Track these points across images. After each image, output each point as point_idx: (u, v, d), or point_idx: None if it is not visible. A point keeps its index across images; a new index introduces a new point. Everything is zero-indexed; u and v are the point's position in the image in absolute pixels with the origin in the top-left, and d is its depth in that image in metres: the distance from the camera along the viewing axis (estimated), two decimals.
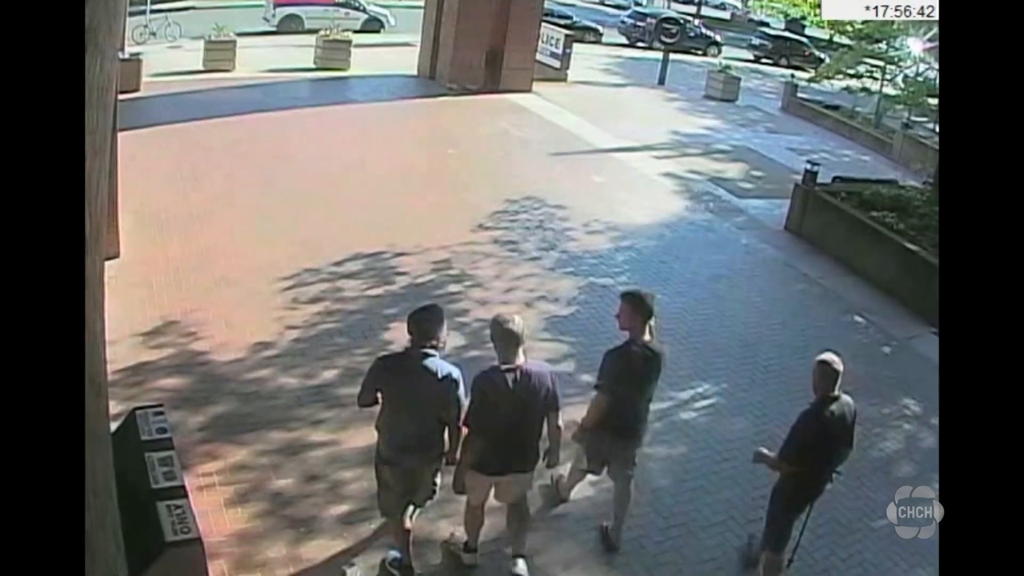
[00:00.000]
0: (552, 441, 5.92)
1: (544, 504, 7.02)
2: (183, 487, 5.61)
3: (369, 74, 21.29)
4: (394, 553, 6.05)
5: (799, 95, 27.44)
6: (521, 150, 16.99)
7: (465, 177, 14.79)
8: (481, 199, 13.57)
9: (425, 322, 5.59)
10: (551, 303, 10.48)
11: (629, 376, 6.25)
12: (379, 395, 5.68)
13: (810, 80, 28.67)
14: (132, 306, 8.73)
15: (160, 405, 6.47)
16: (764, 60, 39.18)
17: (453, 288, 10.41)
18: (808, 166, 15.00)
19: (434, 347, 5.56)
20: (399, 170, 14.46)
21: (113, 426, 5.25)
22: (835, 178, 15.90)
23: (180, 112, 15.72)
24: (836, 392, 6.00)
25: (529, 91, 21.70)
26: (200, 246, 10.47)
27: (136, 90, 16.25)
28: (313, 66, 21.28)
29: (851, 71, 26.72)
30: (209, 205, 11.73)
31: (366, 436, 7.28)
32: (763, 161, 19.68)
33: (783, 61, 38.53)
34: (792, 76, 29.13)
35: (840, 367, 6.01)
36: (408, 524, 5.95)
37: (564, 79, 24.36)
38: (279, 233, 11.13)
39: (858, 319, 11.95)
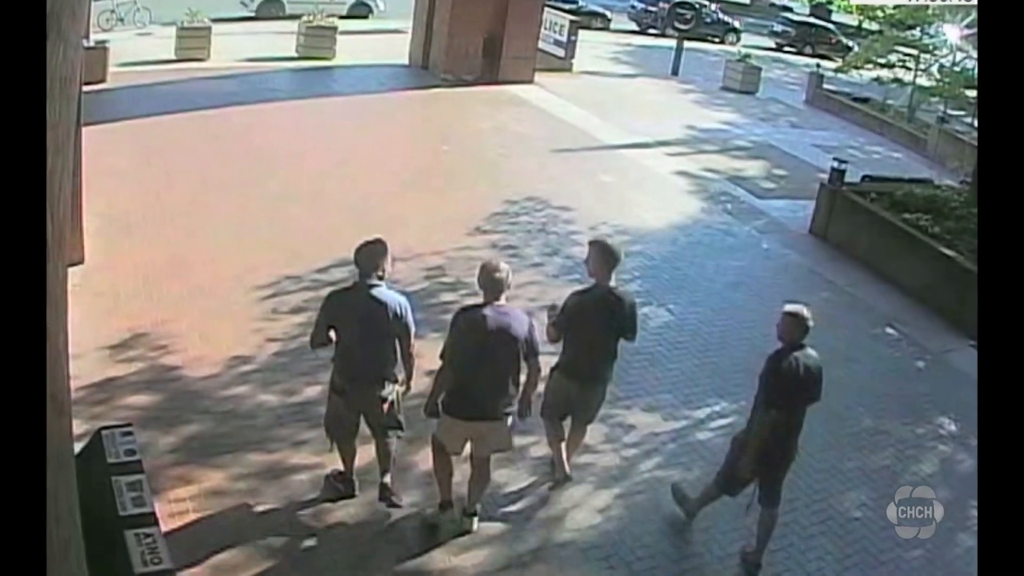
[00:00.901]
0: (527, 386, 6.59)
1: (547, 534, 7.04)
2: (153, 514, 5.60)
3: (356, 63, 21.31)
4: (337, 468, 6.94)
5: (825, 86, 27.46)
6: (522, 146, 17.01)
7: (461, 176, 14.80)
8: (478, 200, 13.58)
9: (371, 255, 6.42)
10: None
11: (587, 318, 7.04)
12: (332, 333, 6.44)
13: (837, 70, 28.70)
14: (98, 317, 8.73)
15: (128, 425, 6.46)
16: (787, 48, 39.22)
17: (447, 297, 10.39)
18: (835, 164, 15.03)
19: (380, 278, 6.41)
20: (389, 168, 14.48)
21: (77, 447, 5.25)
22: (864, 177, 15.92)
23: (150, 105, 15.72)
24: (802, 343, 6.76)
25: (531, 82, 21.72)
26: (172, 251, 10.47)
27: (102, 81, 16.26)
28: (295, 55, 21.30)
29: (882, 60, 26.77)
30: (182, 207, 11.74)
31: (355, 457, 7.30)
32: (786, 158, 19.70)
33: (808, 49, 38.58)
34: (817, 66, 29.18)
35: (811, 321, 6.77)
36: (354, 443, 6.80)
37: (569, 69, 24.38)
38: (258, 237, 11.13)
39: (889, 331, 11.95)
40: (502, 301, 6.42)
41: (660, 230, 13.82)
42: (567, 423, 7.55)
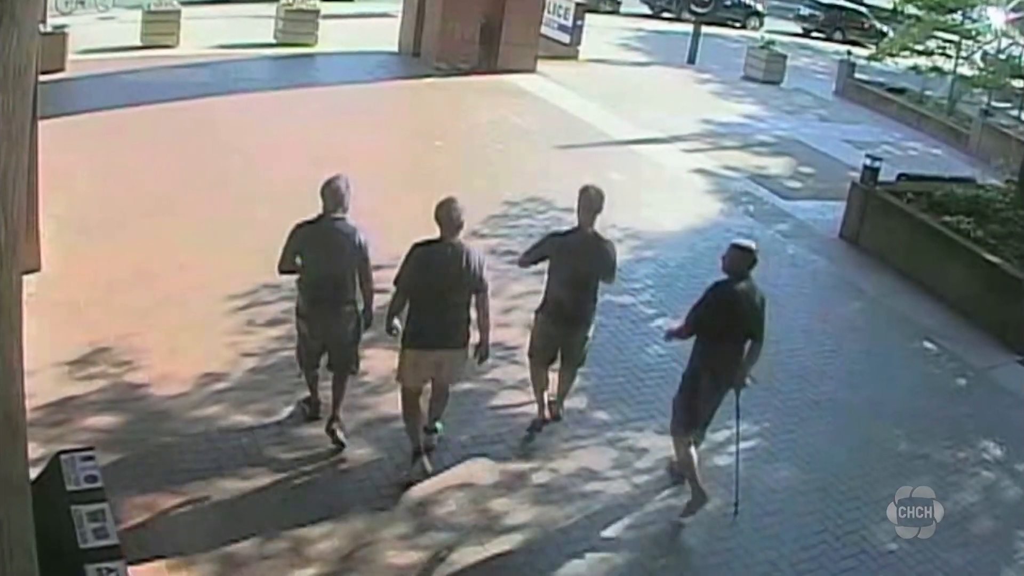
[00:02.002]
0: (481, 328, 7.62)
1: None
2: (117, 547, 5.61)
3: (340, 51, 21.34)
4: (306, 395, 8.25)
5: (857, 76, 27.53)
6: (523, 142, 17.04)
7: (455, 174, 14.80)
8: (475, 201, 13.47)
9: (335, 191, 7.67)
10: None
11: (568, 259, 8.09)
12: (298, 260, 7.63)
13: (870, 58, 28.76)
14: (56, 329, 8.74)
15: (90, 448, 6.48)
16: (815, 34, 39.34)
17: None
18: (868, 161, 15.05)
19: (343, 211, 7.65)
20: (376, 166, 14.48)
21: (33, 473, 5.26)
22: (900, 176, 15.96)
23: (113, 96, 15.75)
24: (748, 275, 7.69)
25: (532, 71, 21.75)
26: (137, 257, 10.48)
27: (61, 70, 16.29)
28: (273, 41, 21.33)
29: (919, 47, 26.79)
30: (148, 208, 11.74)
31: (336, 486, 7.32)
32: (813, 155, 19.73)
33: (837, 35, 38.71)
34: (848, 53, 29.26)
35: (758, 254, 7.76)
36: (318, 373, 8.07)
37: (575, 56, 24.43)
38: (232, 242, 11.14)
39: (928, 345, 11.97)
40: (459, 237, 7.43)
41: (675, 234, 13.83)
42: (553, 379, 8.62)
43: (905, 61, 27.40)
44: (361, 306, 7.81)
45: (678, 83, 24.84)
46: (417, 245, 7.47)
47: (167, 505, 6.96)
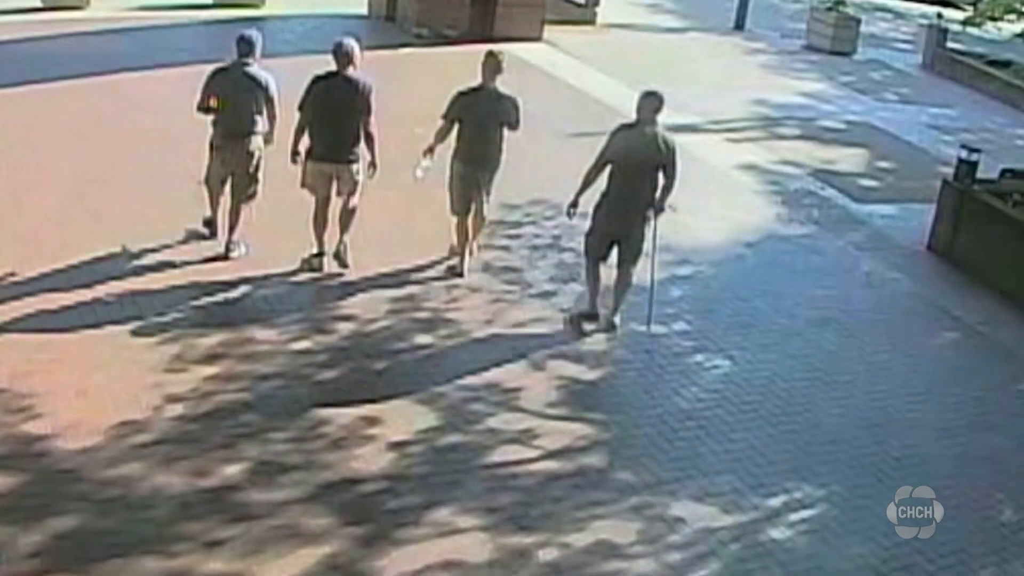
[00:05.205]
0: (368, 146, 11.26)
1: None
2: None
3: (296, 13, 21.43)
4: (206, 215, 11.78)
5: (949, 45, 27.57)
6: (526, 128, 16.92)
7: (440, 170, 14.82)
8: None
9: (247, 42, 11.17)
10: (571, 362, 10.49)
11: (474, 112, 11.47)
12: (213, 103, 11.09)
13: (965, 22, 28.81)
14: None
15: None
16: None
17: (422, 339, 10.43)
18: (963, 153, 15.08)
19: (252, 58, 11.15)
20: None
21: None
22: (1004, 171, 15.96)
23: (7, 71, 15.77)
24: (653, 120, 10.77)
25: (538, 39, 21.85)
26: (36, 275, 10.48)
27: None
28: (209, 1, 21.38)
29: None
30: (50, 215, 11.73)
31: (287, 564, 7.34)
32: (894, 146, 19.81)
33: None
34: (939, 16, 29.32)
35: (662, 101, 10.83)
36: (224, 196, 11.62)
37: (592, 21, 24.57)
38: (158, 255, 11.12)
39: None
40: (350, 71, 10.97)
41: (718, 246, 13.84)
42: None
43: (1010, 26, 27.46)
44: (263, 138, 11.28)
45: (722, 54, 24.92)
46: (317, 78, 11.07)
47: None
